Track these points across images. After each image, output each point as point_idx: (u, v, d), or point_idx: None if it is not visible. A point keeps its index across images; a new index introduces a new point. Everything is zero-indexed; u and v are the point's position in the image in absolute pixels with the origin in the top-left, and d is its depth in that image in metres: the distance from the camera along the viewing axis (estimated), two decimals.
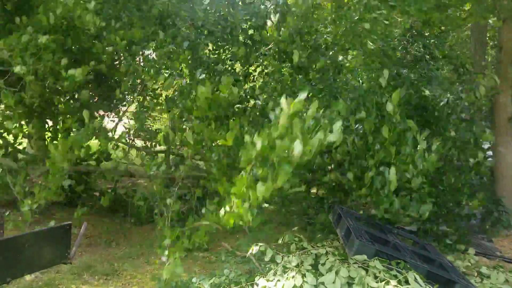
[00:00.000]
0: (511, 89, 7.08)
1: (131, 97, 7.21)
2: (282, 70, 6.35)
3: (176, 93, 5.69)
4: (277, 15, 5.58)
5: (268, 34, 5.69)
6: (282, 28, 5.57)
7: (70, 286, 4.78)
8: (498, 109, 7.09)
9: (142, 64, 6.10)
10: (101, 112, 7.76)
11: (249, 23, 6.07)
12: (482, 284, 4.53)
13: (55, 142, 6.36)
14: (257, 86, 6.23)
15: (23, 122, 6.68)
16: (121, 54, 6.33)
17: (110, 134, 6.01)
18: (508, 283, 4.68)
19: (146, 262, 5.61)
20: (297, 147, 2.90)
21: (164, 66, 5.85)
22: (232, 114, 5.53)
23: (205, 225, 3.89)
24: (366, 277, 3.69)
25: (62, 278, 4.94)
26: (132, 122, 8.22)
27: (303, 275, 3.78)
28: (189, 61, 5.73)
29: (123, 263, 5.55)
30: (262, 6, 6.03)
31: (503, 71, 7.05)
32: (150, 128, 7.99)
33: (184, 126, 5.53)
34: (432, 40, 28.14)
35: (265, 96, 5.85)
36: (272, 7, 5.69)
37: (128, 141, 7.01)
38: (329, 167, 5.91)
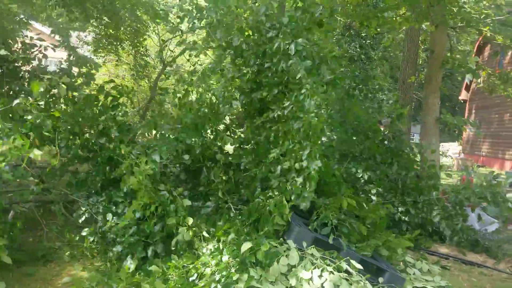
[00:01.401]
0: (440, 91, 7.54)
1: None
2: None
3: None
4: None
5: None
6: None
7: None
8: (427, 109, 7.54)
9: None
10: None
11: None
12: (406, 273, 4.84)
13: None
14: None
15: None
16: None
17: None
18: (430, 273, 5.04)
19: None
20: None
21: None
22: None
23: None
24: (302, 264, 3.83)
25: None
26: None
27: None
28: None
29: None
30: None
31: (434, 73, 7.50)
32: None
33: None
34: (368, 41, 29.34)
35: None
36: None
37: None
38: None
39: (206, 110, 5.31)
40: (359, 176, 6.67)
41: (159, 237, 4.29)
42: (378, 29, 19.25)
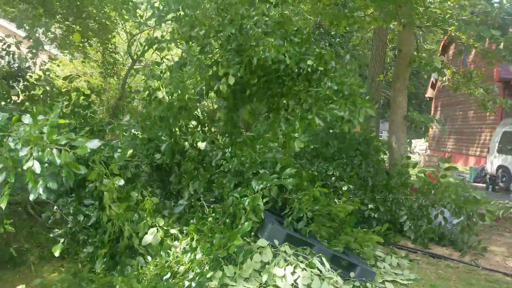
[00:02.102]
0: (407, 89, 7.74)
1: None
2: None
3: None
4: None
5: None
6: None
7: None
8: (395, 107, 7.72)
9: None
10: None
11: None
12: (376, 267, 4.95)
13: None
14: None
15: None
16: None
17: None
18: (400, 266, 5.18)
19: None
20: None
21: None
22: None
23: None
24: (275, 261, 3.87)
25: None
26: None
27: None
28: None
29: None
30: None
31: (401, 72, 7.68)
32: None
33: None
34: (337, 39, 29.72)
35: None
36: None
37: None
38: None
39: (176, 102, 5.30)
40: (330, 174, 6.78)
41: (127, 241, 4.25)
42: (347, 28, 19.51)
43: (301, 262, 3.94)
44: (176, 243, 4.29)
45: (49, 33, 13.38)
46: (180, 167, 5.29)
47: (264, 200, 4.40)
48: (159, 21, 5.66)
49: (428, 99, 28.40)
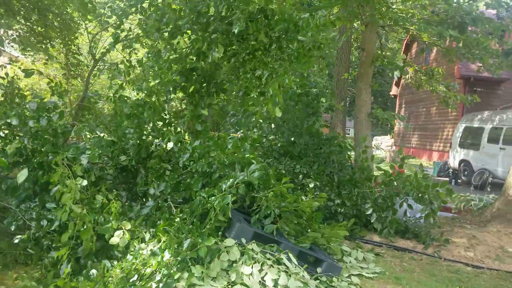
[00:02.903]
0: (371, 87, 7.91)
1: None
2: None
3: None
4: None
5: None
6: None
7: None
8: (359, 105, 7.88)
9: None
10: None
11: None
12: (343, 262, 5.06)
13: None
14: None
15: None
16: None
17: None
18: (365, 260, 5.30)
19: None
20: None
21: None
22: None
23: None
24: (242, 260, 3.90)
25: None
26: None
27: None
28: None
29: None
30: None
31: (365, 70, 7.84)
32: None
33: None
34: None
35: None
36: None
37: None
38: None
39: (144, 98, 5.27)
40: (297, 172, 6.88)
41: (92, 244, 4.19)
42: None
43: (268, 259, 3.98)
44: (143, 245, 4.26)
45: (11, 32, 13.03)
46: (146, 168, 5.25)
47: (232, 199, 4.43)
48: (123, 15, 5.62)
49: (393, 96, 29.06)
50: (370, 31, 7.83)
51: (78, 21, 12.02)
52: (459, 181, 14.82)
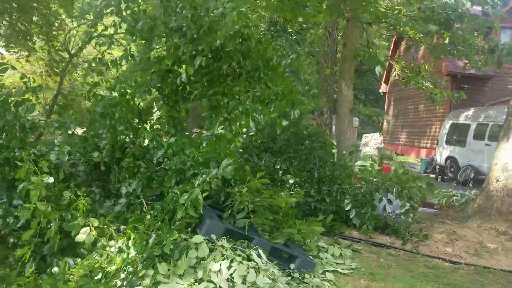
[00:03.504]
0: (353, 83, 7.84)
1: None
2: None
3: None
4: None
5: None
6: None
7: None
8: (341, 101, 7.82)
9: None
10: None
11: None
12: (319, 258, 5.00)
13: None
14: None
15: None
16: None
17: None
18: (342, 256, 5.24)
19: None
20: None
21: None
22: None
23: None
24: (211, 256, 3.82)
25: None
26: None
27: None
28: None
29: None
30: None
31: (347, 65, 7.79)
32: None
33: None
34: (294, 37, 30.08)
35: None
36: None
37: None
38: None
39: (117, 97, 5.17)
40: (278, 168, 6.81)
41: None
42: (304, 25, 19.71)
43: (238, 255, 3.91)
44: (112, 242, 4.17)
45: None
46: (119, 164, 5.15)
47: (204, 195, 4.35)
48: (99, 15, 5.51)
49: (382, 94, 29.10)
50: (351, 26, 7.77)
51: (62, 18, 11.86)
52: (445, 177, 14.84)
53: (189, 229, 4.20)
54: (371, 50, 8.92)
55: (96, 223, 4.19)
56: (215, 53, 5.13)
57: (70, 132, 5.34)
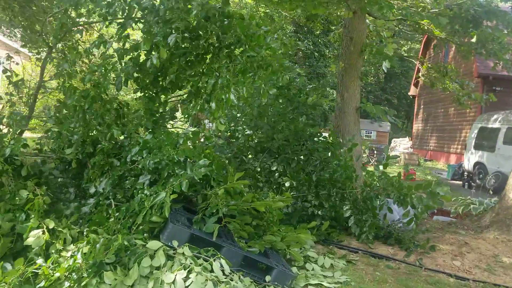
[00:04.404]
0: (360, 79, 7.29)
1: None
2: None
3: None
4: None
5: None
6: None
7: None
8: (347, 99, 7.27)
9: None
10: None
11: None
12: (305, 269, 4.51)
13: None
14: None
15: None
16: None
17: None
18: (333, 268, 4.73)
19: None
20: None
21: None
22: None
23: None
24: (168, 265, 3.41)
25: None
26: None
27: None
28: None
29: None
30: None
31: (353, 61, 7.25)
32: None
33: None
34: (322, 39, 29.58)
35: None
36: None
37: None
38: None
39: (91, 90, 4.86)
40: (274, 169, 6.36)
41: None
42: (331, 26, 19.11)
43: (199, 265, 3.48)
44: (72, 246, 3.82)
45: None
46: (92, 162, 4.82)
47: (172, 197, 3.96)
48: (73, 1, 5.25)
49: (411, 97, 28.03)
50: (357, 19, 7.22)
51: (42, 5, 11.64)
52: (473, 184, 13.93)
53: (158, 234, 3.81)
54: (377, 43, 8.32)
55: (52, 224, 3.85)
56: (192, 31, 4.75)
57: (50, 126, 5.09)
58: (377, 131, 38.48)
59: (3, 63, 10.23)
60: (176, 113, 5.96)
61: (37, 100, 6.24)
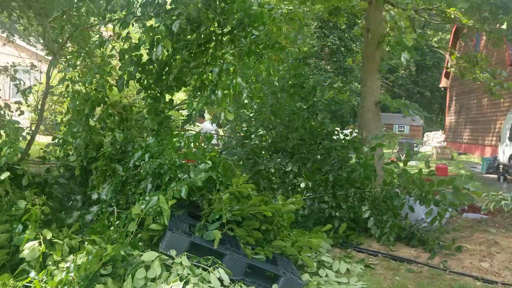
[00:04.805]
0: (379, 72, 6.93)
1: None
2: None
3: None
4: None
5: None
6: None
7: None
8: (365, 93, 6.92)
9: None
10: None
11: None
12: (318, 275, 4.25)
13: None
14: None
15: None
16: None
17: None
18: (350, 273, 4.45)
19: None
20: None
21: None
22: None
23: None
24: (164, 277, 3.23)
25: None
26: None
27: None
28: None
29: None
30: None
31: (370, 53, 6.90)
32: None
33: None
34: (348, 33, 29.16)
35: None
36: None
37: None
38: None
39: (91, 93, 4.76)
40: (288, 170, 6.11)
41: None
42: (348, 20, 18.70)
43: (196, 276, 3.28)
44: (72, 257, 3.69)
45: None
46: (96, 169, 4.70)
47: (171, 203, 3.79)
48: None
49: (443, 88, 27.10)
50: (374, 9, 6.87)
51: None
52: (509, 177, 13.22)
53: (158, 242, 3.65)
54: (395, 34, 7.91)
55: (49, 235, 3.73)
56: (193, 22, 4.57)
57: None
58: (410, 125, 37.56)
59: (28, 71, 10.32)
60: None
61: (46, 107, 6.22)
